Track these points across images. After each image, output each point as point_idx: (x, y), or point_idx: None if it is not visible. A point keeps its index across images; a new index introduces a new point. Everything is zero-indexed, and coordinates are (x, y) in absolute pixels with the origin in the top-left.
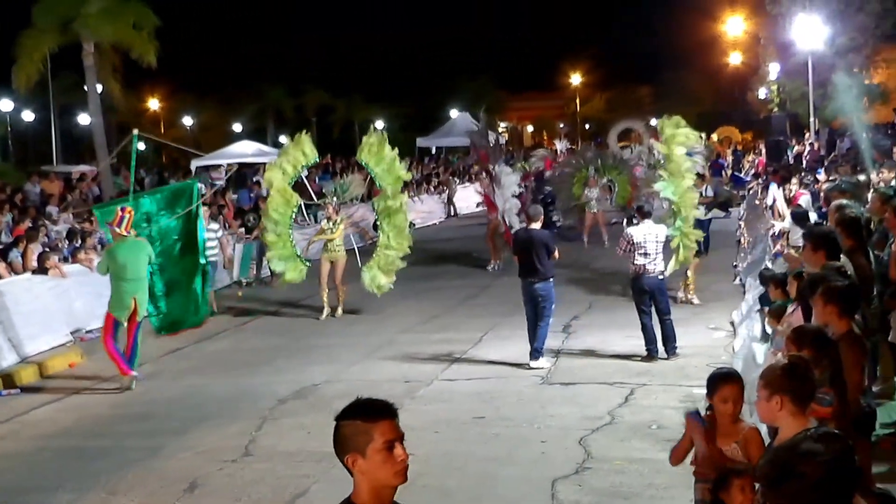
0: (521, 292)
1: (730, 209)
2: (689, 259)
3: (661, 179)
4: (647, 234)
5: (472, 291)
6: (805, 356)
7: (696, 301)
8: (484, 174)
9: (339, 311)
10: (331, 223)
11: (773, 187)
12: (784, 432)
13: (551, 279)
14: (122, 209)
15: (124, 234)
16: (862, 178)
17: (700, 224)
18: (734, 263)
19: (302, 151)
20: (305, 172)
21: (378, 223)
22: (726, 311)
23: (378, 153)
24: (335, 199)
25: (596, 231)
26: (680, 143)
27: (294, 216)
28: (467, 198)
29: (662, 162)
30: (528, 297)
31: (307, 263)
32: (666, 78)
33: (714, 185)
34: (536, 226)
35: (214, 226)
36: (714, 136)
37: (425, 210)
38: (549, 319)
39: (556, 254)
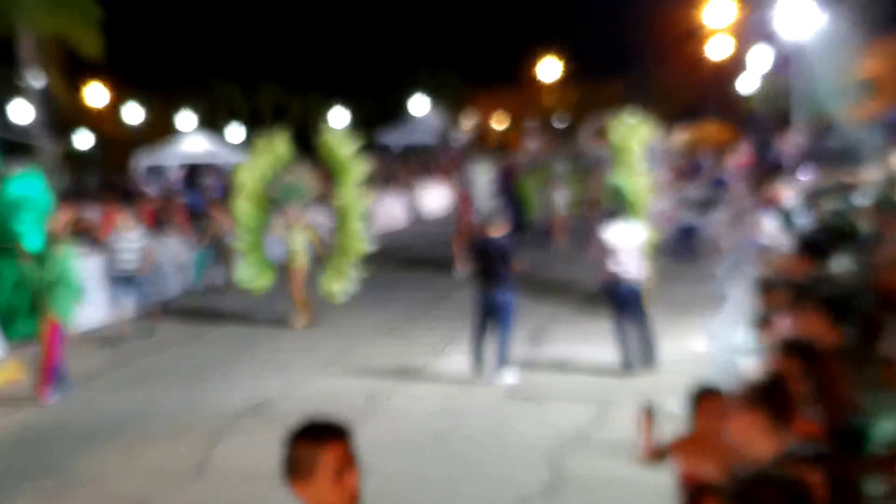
0: (476, 301)
1: (709, 212)
2: None
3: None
4: (621, 237)
5: (433, 300)
6: (790, 369)
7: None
8: (456, 174)
9: (299, 321)
10: (292, 230)
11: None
12: (757, 450)
13: (511, 290)
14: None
15: None
16: (848, 178)
17: (687, 232)
18: (713, 270)
19: (275, 151)
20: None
21: (335, 225)
22: (706, 321)
23: (333, 151)
24: (294, 201)
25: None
26: (633, 141)
27: (269, 222)
28: (431, 200)
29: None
30: (484, 308)
31: (274, 269)
32: (639, 72)
33: (699, 186)
34: (496, 232)
35: (132, 233)
36: (679, 135)
37: (387, 214)
38: (508, 332)
39: (516, 264)
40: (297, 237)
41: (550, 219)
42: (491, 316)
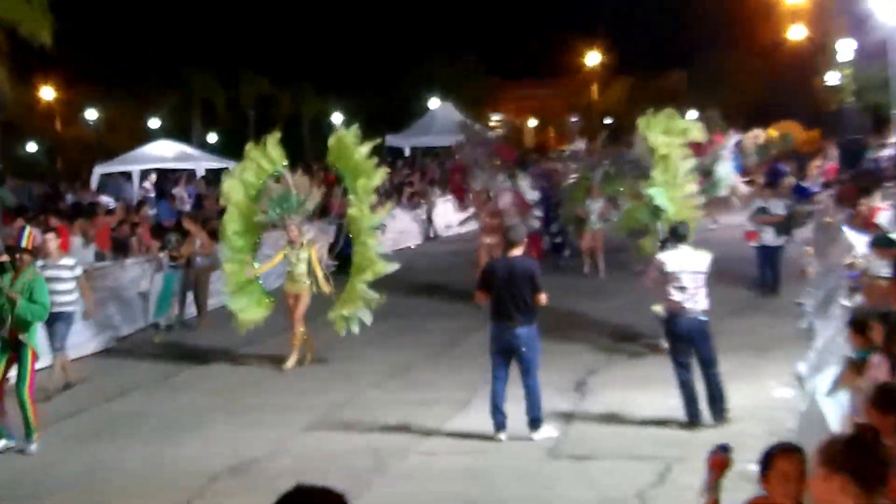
0: (490, 340)
1: (793, 230)
2: None
3: (652, 183)
4: (683, 261)
5: (456, 335)
6: (884, 423)
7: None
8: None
9: (292, 360)
10: (295, 248)
11: (848, 234)
12: None
13: (533, 324)
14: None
15: None
16: None
17: (766, 253)
18: (798, 300)
19: (267, 156)
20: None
21: (350, 241)
22: (789, 362)
23: (348, 152)
24: (294, 214)
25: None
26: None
27: (260, 239)
28: (451, 213)
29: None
30: (504, 347)
31: (272, 298)
32: (704, 60)
33: (780, 198)
34: (517, 252)
35: (68, 260)
36: (761, 134)
37: (397, 229)
38: (536, 374)
39: (543, 297)
40: (301, 256)
41: (581, 232)
42: (511, 357)
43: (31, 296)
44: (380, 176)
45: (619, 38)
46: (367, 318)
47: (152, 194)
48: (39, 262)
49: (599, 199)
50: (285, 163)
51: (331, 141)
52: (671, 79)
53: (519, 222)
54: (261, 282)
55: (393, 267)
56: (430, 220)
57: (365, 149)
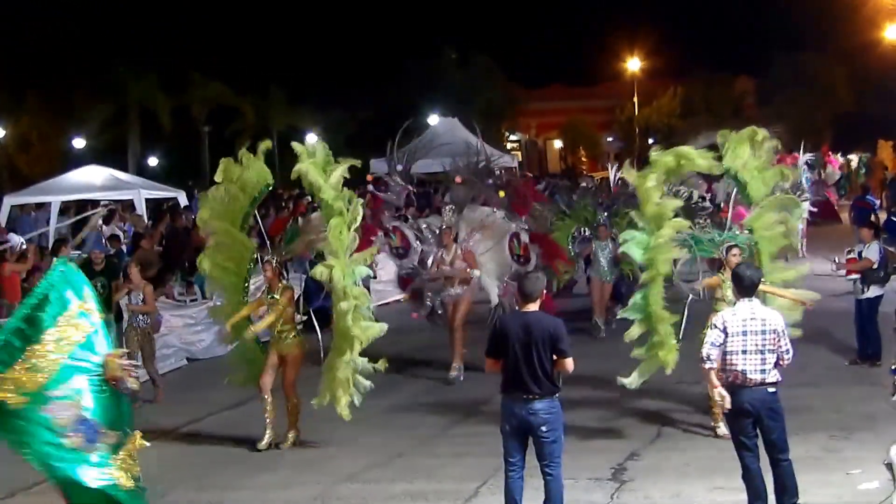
0: (502, 417)
1: (888, 276)
2: (670, 362)
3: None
4: (746, 319)
5: (458, 412)
6: None
7: (721, 431)
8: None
9: (291, 438)
10: (270, 295)
11: None
12: None
13: (557, 396)
14: None
15: None
16: None
17: (860, 308)
18: (893, 366)
19: (247, 176)
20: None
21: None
22: (880, 446)
23: (317, 181)
24: (274, 254)
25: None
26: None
27: (250, 276)
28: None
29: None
30: (519, 426)
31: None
32: (778, 65)
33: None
34: (534, 307)
35: None
36: (854, 158)
37: (379, 280)
38: (561, 465)
39: (570, 363)
40: (279, 306)
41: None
42: (528, 439)
43: None
44: (356, 213)
45: (669, 38)
46: (358, 400)
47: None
48: None
49: (607, 240)
50: (271, 181)
51: (298, 168)
52: (735, 87)
53: (537, 271)
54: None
55: (381, 329)
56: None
57: (337, 174)
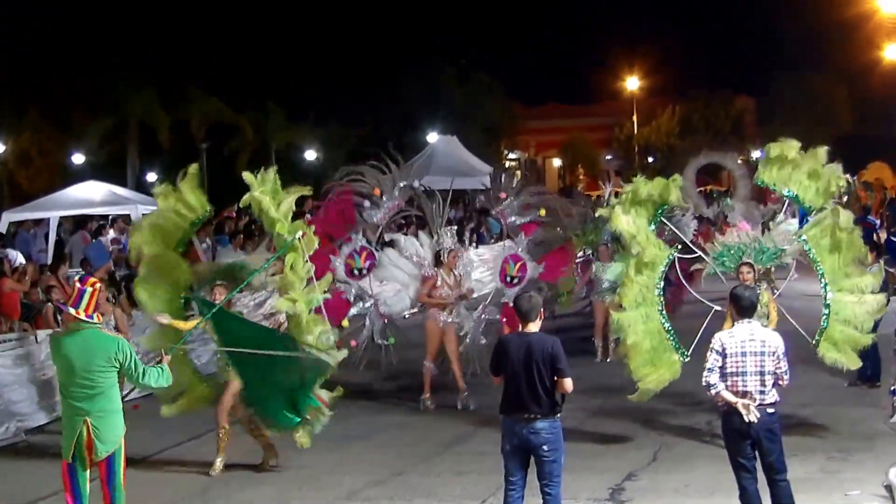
0: (503, 437)
1: (888, 297)
2: (659, 381)
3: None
4: (745, 340)
5: (458, 430)
6: None
7: None
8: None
9: (273, 461)
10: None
11: None
12: None
13: (559, 416)
14: (84, 279)
15: (82, 318)
16: None
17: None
18: (893, 387)
19: (184, 201)
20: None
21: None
22: (879, 467)
23: (268, 210)
24: (223, 280)
25: None
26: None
27: (186, 304)
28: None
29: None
30: (519, 445)
31: (205, 382)
32: (778, 84)
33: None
34: (534, 328)
35: None
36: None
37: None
38: (560, 485)
39: (569, 383)
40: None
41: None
42: (528, 459)
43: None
44: (311, 245)
45: (668, 56)
46: (317, 428)
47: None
48: None
49: (610, 262)
50: (209, 208)
51: (250, 197)
52: (735, 106)
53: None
54: (191, 359)
55: (336, 359)
56: None
57: (287, 204)
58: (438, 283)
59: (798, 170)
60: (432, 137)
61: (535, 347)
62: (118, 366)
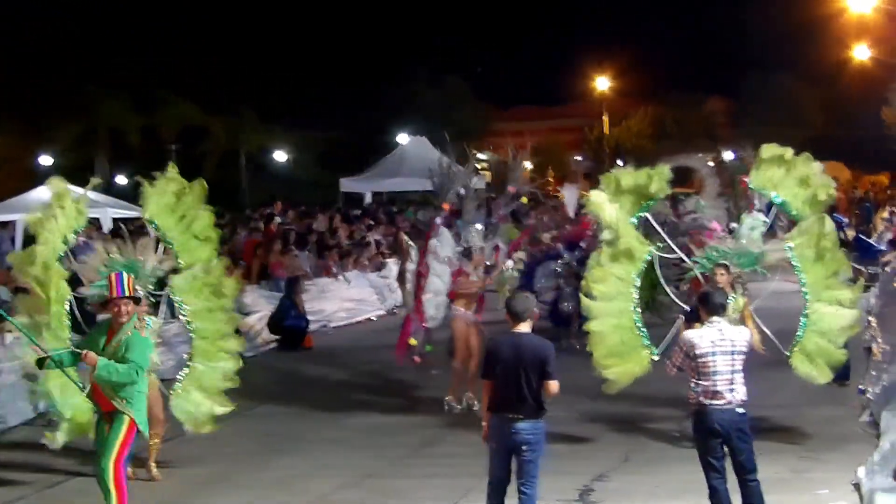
0: (489, 435)
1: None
2: (629, 374)
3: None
4: (715, 340)
5: (431, 433)
6: None
7: None
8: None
9: (154, 470)
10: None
11: None
12: None
13: (543, 417)
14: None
15: None
16: None
17: None
18: (861, 386)
19: (63, 208)
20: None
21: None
22: (848, 466)
23: (174, 202)
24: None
25: None
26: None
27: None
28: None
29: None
30: (505, 444)
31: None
32: (749, 85)
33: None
34: (526, 328)
35: None
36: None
37: (353, 297)
38: (536, 484)
39: (555, 385)
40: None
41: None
42: (504, 456)
43: (125, 353)
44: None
45: (640, 58)
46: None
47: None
48: None
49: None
50: (80, 228)
51: (147, 192)
52: (707, 108)
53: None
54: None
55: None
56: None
57: (186, 207)
58: (464, 276)
59: (789, 175)
60: (403, 139)
61: (526, 348)
62: None
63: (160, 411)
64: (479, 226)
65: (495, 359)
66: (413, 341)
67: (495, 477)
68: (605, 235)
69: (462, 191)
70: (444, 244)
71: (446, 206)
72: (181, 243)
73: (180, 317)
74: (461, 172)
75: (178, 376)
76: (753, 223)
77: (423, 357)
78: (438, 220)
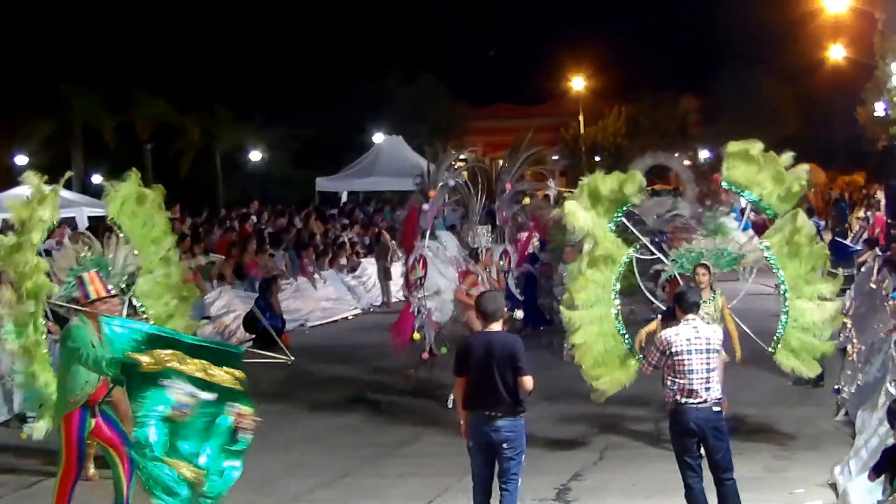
0: (468, 435)
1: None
2: (613, 383)
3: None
4: (690, 338)
5: (406, 433)
6: None
7: None
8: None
9: (90, 470)
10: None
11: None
12: None
13: (522, 415)
14: None
15: None
16: None
17: None
18: (837, 386)
19: (42, 203)
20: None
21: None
22: (824, 465)
23: (135, 207)
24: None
25: None
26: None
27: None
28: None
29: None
30: (484, 443)
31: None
32: (723, 83)
33: None
34: (497, 327)
35: None
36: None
37: (329, 296)
38: (518, 482)
39: (529, 381)
40: None
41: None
42: (486, 455)
43: None
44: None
45: (615, 56)
46: None
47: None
48: None
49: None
50: (57, 218)
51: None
52: (680, 106)
53: (494, 289)
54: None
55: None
56: (387, 278)
57: (154, 198)
58: (478, 280)
59: (763, 172)
60: (378, 138)
61: (496, 345)
62: None
63: (128, 408)
64: (488, 226)
65: (467, 356)
66: (417, 336)
67: (478, 474)
68: (584, 243)
69: (451, 182)
70: (448, 243)
71: (432, 193)
72: (141, 246)
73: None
74: (450, 161)
75: None
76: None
77: (435, 357)
78: (426, 207)
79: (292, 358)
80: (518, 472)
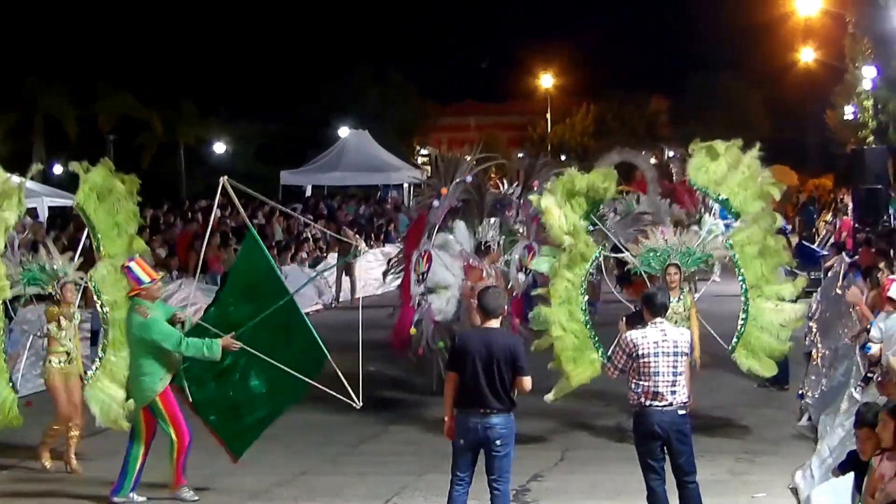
0: (456, 432)
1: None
2: (580, 378)
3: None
4: (658, 341)
5: (367, 431)
6: None
7: None
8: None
9: (74, 462)
10: (65, 322)
11: (858, 283)
12: None
13: (512, 413)
14: None
15: None
16: None
17: None
18: (801, 390)
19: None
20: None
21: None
22: (786, 469)
23: (104, 194)
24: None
25: None
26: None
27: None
28: (369, 271)
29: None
30: (475, 441)
31: (16, 392)
32: (693, 85)
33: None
34: (496, 324)
35: None
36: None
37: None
38: (510, 478)
39: (528, 381)
40: (72, 327)
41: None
42: (478, 456)
43: None
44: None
45: (584, 55)
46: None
47: None
48: None
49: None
50: (24, 209)
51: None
52: (649, 107)
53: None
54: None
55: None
56: (348, 275)
57: (121, 187)
58: (484, 275)
59: (732, 173)
60: (344, 132)
61: (497, 344)
62: None
63: (79, 399)
64: (496, 220)
65: (464, 352)
66: (413, 331)
67: (461, 472)
68: (563, 242)
69: (468, 179)
70: (462, 237)
71: (444, 191)
72: (104, 233)
73: (97, 306)
74: (464, 161)
75: (92, 367)
76: (712, 227)
77: (435, 352)
78: (436, 204)
79: (360, 404)
80: (510, 470)
